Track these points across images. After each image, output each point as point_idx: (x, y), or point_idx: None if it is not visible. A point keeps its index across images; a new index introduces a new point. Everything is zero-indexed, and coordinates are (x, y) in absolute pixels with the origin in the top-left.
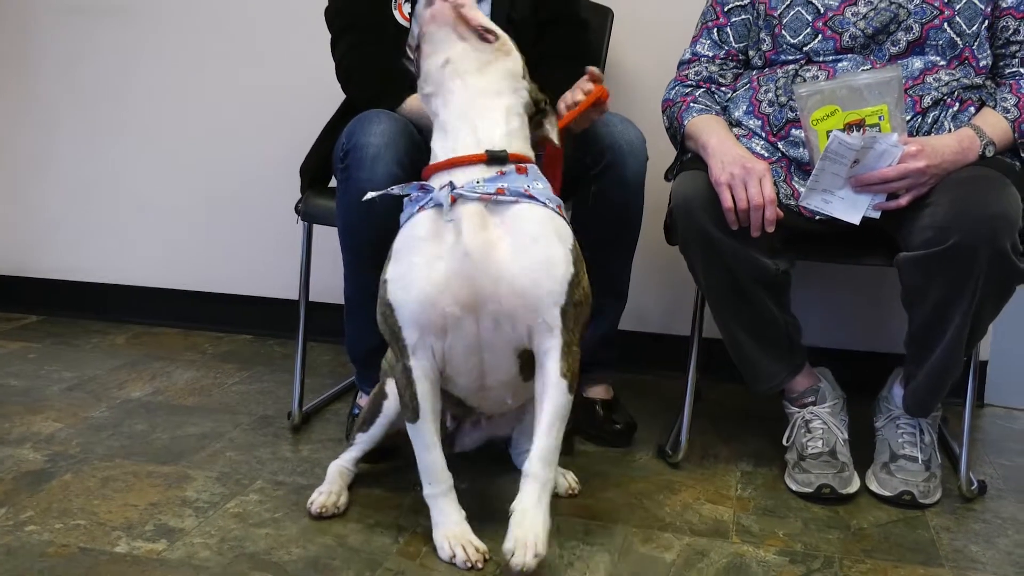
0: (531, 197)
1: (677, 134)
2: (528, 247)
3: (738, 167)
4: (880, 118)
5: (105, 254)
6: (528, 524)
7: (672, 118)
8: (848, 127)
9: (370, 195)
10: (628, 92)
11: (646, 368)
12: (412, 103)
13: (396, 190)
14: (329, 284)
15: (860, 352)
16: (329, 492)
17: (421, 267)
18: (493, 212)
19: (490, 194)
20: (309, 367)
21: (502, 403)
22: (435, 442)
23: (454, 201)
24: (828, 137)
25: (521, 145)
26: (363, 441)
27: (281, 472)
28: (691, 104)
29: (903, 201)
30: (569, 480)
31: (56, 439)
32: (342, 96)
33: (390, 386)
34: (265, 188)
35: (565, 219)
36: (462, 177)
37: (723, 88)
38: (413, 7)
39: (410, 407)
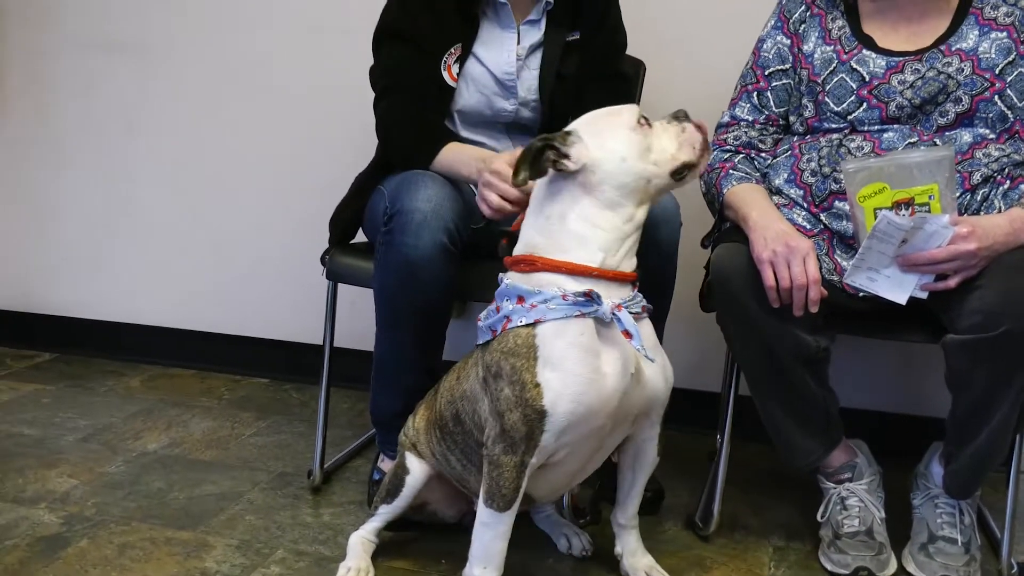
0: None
1: (715, 201)
2: (660, 360)
3: (781, 244)
4: (930, 197)
5: (119, 292)
6: (646, 559)
7: (710, 184)
8: (896, 205)
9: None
10: None
11: (671, 423)
12: (447, 156)
13: (567, 302)
14: (347, 328)
15: (894, 415)
16: (358, 569)
17: (591, 382)
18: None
19: (638, 313)
20: (328, 416)
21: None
22: (508, 534)
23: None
24: (876, 215)
25: None
26: (385, 512)
27: (302, 540)
28: (730, 171)
29: (952, 283)
30: (583, 541)
31: (71, 498)
32: (367, 138)
33: (411, 461)
34: (284, 230)
35: None
36: (614, 292)
37: (763, 154)
38: (461, 68)
39: (507, 499)
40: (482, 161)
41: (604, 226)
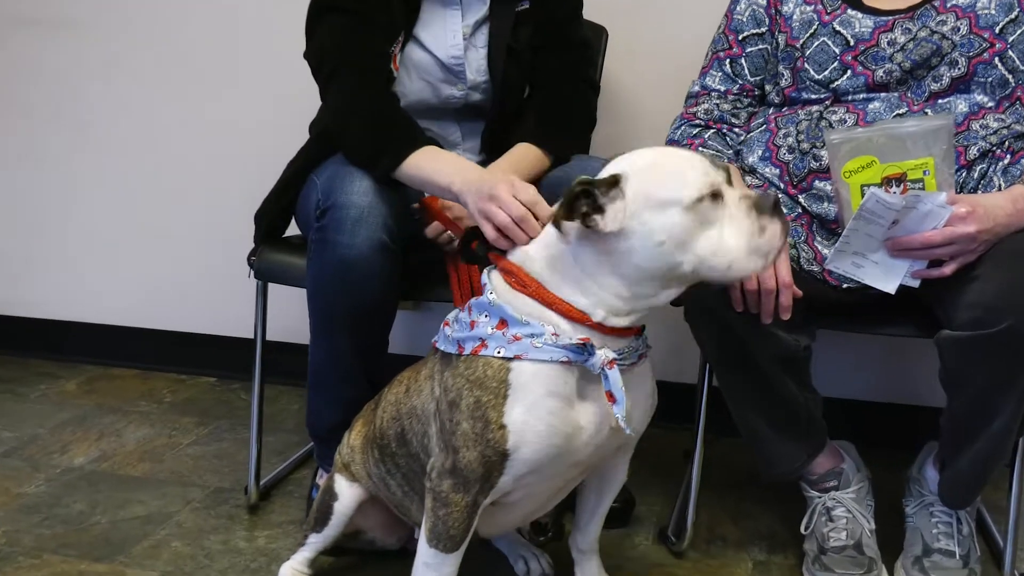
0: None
1: None
2: (648, 402)
3: None
4: (925, 173)
5: (56, 288)
6: None
7: None
8: (886, 181)
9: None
10: (625, 122)
11: None
12: (417, 163)
13: (556, 343)
14: (299, 322)
15: (883, 404)
16: None
17: (565, 436)
18: (630, 373)
19: (634, 363)
20: (273, 419)
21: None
22: (456, 573)
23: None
24: (863, 193)
25: None
26: (316, 542)
27: (232, 570)
28: (700, 149)
29: (947, 271)
30: (543, 564)
31: None
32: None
33: (341, 485)
34: (225, 222)
35: None
36: (611, 342)
37: (736, 129)
38: (402, 54)
39: (455, 540)
40: (467, 177)
41: (618, 294)
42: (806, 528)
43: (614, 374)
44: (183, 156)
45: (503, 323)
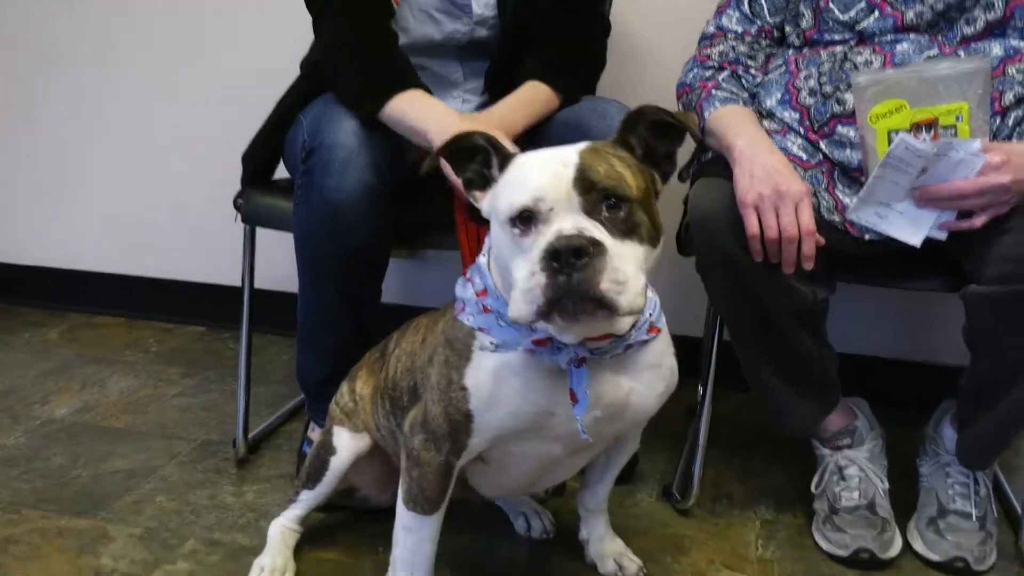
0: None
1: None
2: (655, 385)
3: (770, 187)
4: (958, 119)
5: (41, 234)
6: (615, 544)
7: (689, 107)
8: (916, 127)
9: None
10: (633, 69)
11: None
12: (400, 106)
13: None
14: (290, 270)
15: (897, 362)
16: (272, 568)
17: (530, 414)
18: (619, 362)
19: (619, 355)
20: (263, 370)
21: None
22: (436, 534)
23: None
24: (890, 139)
25: None
26: (308, 499)
27: (218, 526)
28: (713, 91)
29: (977, 223)
30: (544, 522)
31: None
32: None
33: (340, 438)
34: (214, 165)
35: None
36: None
37: (752, 71)
38: None
39: (432, 502)
40: (444, 125)
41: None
42: (816, 487)
43: (579, 373)
44: (170, 96)
45: (484, 291)
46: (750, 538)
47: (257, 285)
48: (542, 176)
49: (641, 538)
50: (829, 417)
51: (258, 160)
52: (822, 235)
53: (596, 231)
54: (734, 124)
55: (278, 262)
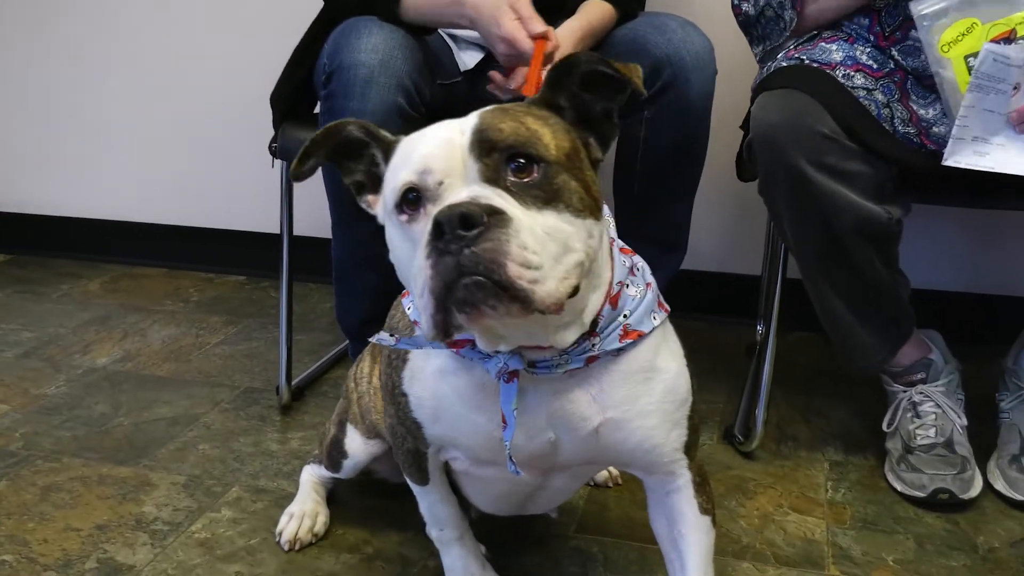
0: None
1: (771, 27)
2: (640, 397)
3: None
4: None
5: (75, 186)
6: None
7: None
8: (996, 43)
9: (383, 341)
10: None
11: (703, 313)
12: None
13: (426, 345)
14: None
15: (971, 295)
16: (301, 515)
17: (472, 434)
18: (580, 377)
19: (578, 368)
20: (306, 318)
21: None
22: (447, 495)
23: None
24: (969, 66)
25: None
26: (328, 478)
27: (263, 474)
28: None
29: None
30: (612, 470)
31: None
32: None
33: (352, 441)
34: (252, 111)
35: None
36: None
37: None
38: None
39: (420, 474)
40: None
41: None
42: (888, 425)
43: (508, 390)
44: (208, 42)
45: None
46: (819, 480)
47: (297, 232)
48: (429, 145)
49: None
50: (902, 350)
51: (286, 99)
52: (896, 150)
53: (498, 199)
54: None
55: (319, 208)
